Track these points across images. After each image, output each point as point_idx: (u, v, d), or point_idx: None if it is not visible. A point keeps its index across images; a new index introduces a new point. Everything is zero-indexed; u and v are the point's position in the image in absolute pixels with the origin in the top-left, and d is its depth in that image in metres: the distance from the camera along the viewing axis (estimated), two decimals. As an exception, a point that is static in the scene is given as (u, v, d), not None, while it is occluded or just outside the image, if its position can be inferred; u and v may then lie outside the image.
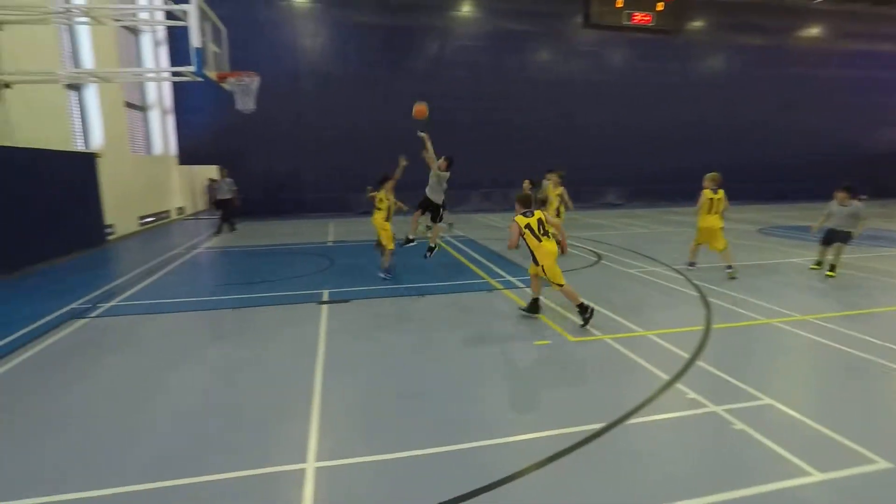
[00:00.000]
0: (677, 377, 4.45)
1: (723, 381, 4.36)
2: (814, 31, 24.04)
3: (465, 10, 20.21)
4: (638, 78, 22.01)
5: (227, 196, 14.53)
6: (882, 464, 3.17)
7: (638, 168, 22.40)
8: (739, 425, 3.63)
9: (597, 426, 3.67)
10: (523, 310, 6.40)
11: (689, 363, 4.75)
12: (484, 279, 8.37)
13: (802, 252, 10.48)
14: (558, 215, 10.30)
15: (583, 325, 5.84)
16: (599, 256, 10.23)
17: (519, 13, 20.46)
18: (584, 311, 5.85)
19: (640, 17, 21.02)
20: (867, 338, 5.37)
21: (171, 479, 3.12)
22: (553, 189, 10.52)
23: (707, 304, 6.73)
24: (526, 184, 11.08)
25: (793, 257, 10.02)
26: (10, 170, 8.96)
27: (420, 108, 7.83)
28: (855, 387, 4.36)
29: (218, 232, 14.38)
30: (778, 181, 24.13)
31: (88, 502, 2.94)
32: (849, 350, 5.08)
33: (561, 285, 5.96)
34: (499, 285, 7.91)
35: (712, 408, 3.90)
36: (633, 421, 3.76)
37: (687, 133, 22.54)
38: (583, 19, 21.15)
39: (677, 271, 8.73)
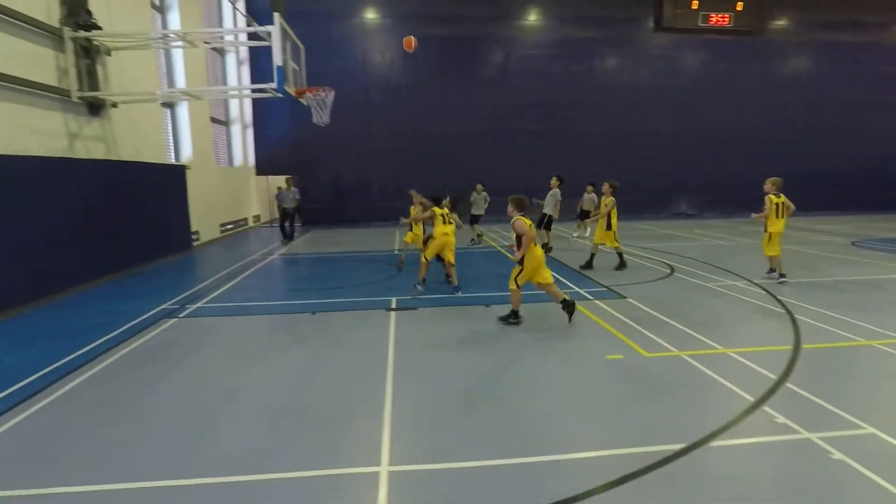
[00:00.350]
0: (764, 399, 4.17)
1: (817, 406, 4.04)
2: (917, 24, 21.96)
3: (532, 18, 20.17)
4: (713, 81, 21.01)
5: (292, 205, 15.18)
6: None
7: (712, 176, 21.33)
8: (838, 455, 3.35)
9: (675, 447, 3.50)
10: (503, 318, 6.51)
11: (778, 385, 4.44)
12: (550, 290, 8.24)
13: (905, 267, 9.55)
14: (609, 227, 9.83)
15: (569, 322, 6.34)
16: (672, 269, 9.81)
17: (587, 19, 20.16)
18: (567, 306, 6.35)
19: (717, 18, 20.08)
20: None
21: (249, 474, 3.29)
22: (604, 198, 10.16)
23: (794, 322, 6.28)
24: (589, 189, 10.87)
25: (892, 273, 9.14)
26: (117, 181, 9.89)
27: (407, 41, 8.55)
28: (976, 419, 3.90)
29: (289, 239, 15.09)
30: (870, 189, 22.14)
31: (178, 490, 3.17)
32: (967, 378, 4.57)
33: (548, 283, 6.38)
34: (565, 296, 7.75)
35: (805, 434, 3.62)
36: (716, 443, 3.56)
37: (767, 138, 21.22)
38: (654, 23, 20.49)
39: (759, 286, 8.20)
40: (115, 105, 10.05)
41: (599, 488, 3.09)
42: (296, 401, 4.41)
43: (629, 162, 20.75)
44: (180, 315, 7.15)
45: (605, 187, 10.16)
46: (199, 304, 7.75)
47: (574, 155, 20.30)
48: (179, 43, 10.57)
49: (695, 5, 19.87)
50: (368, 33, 19.48)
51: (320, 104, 9.45)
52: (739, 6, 20.04)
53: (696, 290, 8.17)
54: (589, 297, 7.69)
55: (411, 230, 10.25)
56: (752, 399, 4.19)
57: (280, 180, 23.27)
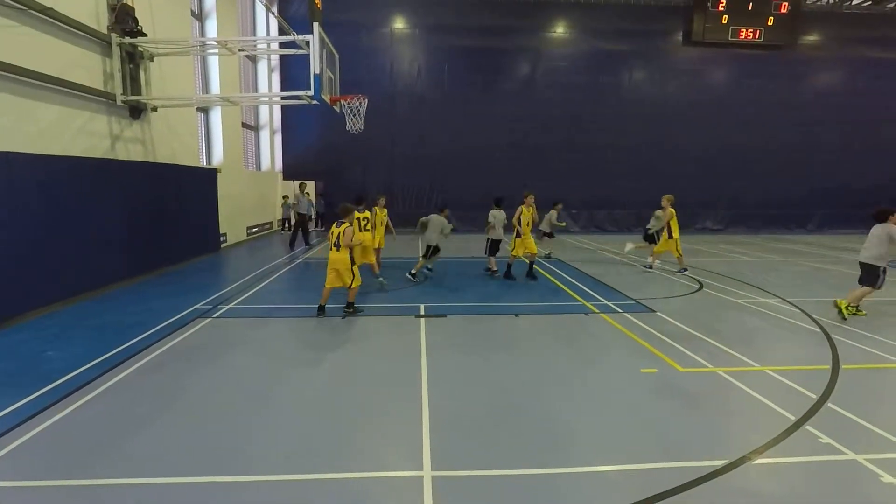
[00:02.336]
0: (806, 418, 4.11)
1: (862, 428, 3.97)
2: (955, 42, 21.45)
3: (559, 30, 20.22)
4: (742, 97, 20.76)
5: (303, 211, 15.25)
6: None
7: (739, 192, 21.04)
8: (888, 478, 3.29)
9: (716, 463, 3.47)
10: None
11: (819, 404, 4.37)
12: (579, 301, 8.22)
13: (945, 290, 9.28)
14: (671, 237, 10.66)
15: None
16: (701, 284, 9.70)
17: (614, 32, 20.13)
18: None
19: (747, 33, 19.89)
20: None
21: (294, 474, 3.36)
22: (667, 210, 10.72)
23: (831, 341, 6.16)
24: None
25: (933, 295, 8.91)
26: (153, 182, 10.16)
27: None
28: None
29: (307, 244, 15.34)
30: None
31: (209, 487, 3.24)
32: None
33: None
34: (595, 309, 7.73)
35: (852, 455, 3.56)
36: (758, 461, 3.52)
37: (796, 155, 20.87)
38: (683, 37, 20.39)
39: (792, 304, 8.06)
40: (154, 109, 10.35)
41: (640, 502, 3.07)
42: (334, 403, 4.48)
43: (656, 176, 20.55)
44: (214, 315, 7.30)
45: (664, 201, 10.74)
46: (230, 305, 7.90)
47: (601, 168, 20.25)
48: (216, 50, 10.86)
49: (725, 20, 19.72)
50: (396, 43, 19.74)
51: (354, 111, 9.62)
52: (770, 21, 19.83)
53: (727, 305, 8.06)
54: (618, 309, 7.64)
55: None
56: (793, 417, 4.13)
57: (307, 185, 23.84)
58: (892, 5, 22.29)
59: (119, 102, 9.10)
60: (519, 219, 9.92)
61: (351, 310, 7.35)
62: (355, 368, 5.30)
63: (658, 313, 7.43)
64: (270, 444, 3.75)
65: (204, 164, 13.91)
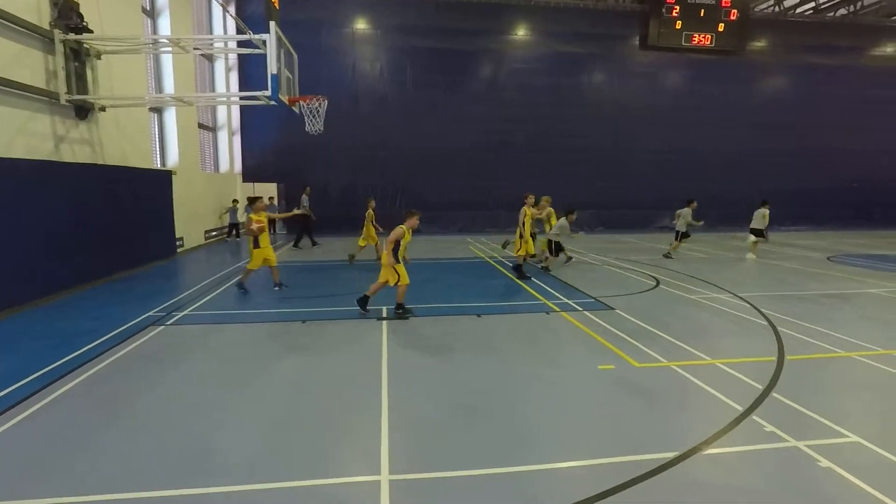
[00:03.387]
0: (752, 408, 4.29)
1: (803, 416, 4.17)
2: (888, 49, 22.85)
3: (521, 33, 20.50)
4: (696, 100, 21.56)
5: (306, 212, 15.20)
6: None
7: (696, 192, 21.64)
8: (825, 463, 3.46)
9: (668, 455, 3.58)
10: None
11: (764, 395, 4.56)
12: (540, 300, 8.34)
13: (878, 282, 9.87)
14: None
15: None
16: (658, 281, 9.99)
17: (574, 36, 20.56)
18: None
19: (699, 38, 20.65)
20: (963, 377, 5.00)
21: (249, 484, 3.27)
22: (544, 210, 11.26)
23: (777, 334, 6.45)
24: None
25: (869, 287, 9.45)
26: (102, 185, 9.74)
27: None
28: (952, 429, 4.06)
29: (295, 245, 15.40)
30: (845, 207, 22.85)
31: (167, 501, 3.12)
32: (942, 389, 4.75)
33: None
34: (555, 307, 7.86)
35: (793, 442, 3.73)
36: (707, 451, 3.65)
37: (748, 156, 21.81)
38: (639, 41, 21.00)
39: (743, 299, 8.40)
40: (103, 109, 9.94)
41: (594, 497, 3.14)
42: (291, 409, 4.39)
43: (616, 176, 21.14)
44: (167, 322, 7.05)
45: (543, 201, 11.59)
46: (186, 312, 7.65)
47: (562, 169, 20.60)
48: (170, 48, 10.52)
49: (678, 25, 20.41)
50: (358, 43, 19.59)
51: (313, 112, 9.48)
52: (721, 27, 20.64)
53: (682, 301, 8.34)
54: (578, 308, 7.79)
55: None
56: (740, 408, 4.30)
57: (268, 187, 23.29)
58: (831, 14, 23.60)
59: (63, 102, 8.70)
60: (523, 221, 10.04)
61: (400, 310, 7.29)
62: (314, 373, 5.21)
63: (616, 310, 7.61)
64: (226, 453, 3.65)
65: (158, 165, 13.44)
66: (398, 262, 7.18)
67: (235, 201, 17.50)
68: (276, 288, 9.00)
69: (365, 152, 19.69)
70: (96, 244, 9.50)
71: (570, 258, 12.43)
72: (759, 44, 21.97)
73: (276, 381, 5.01)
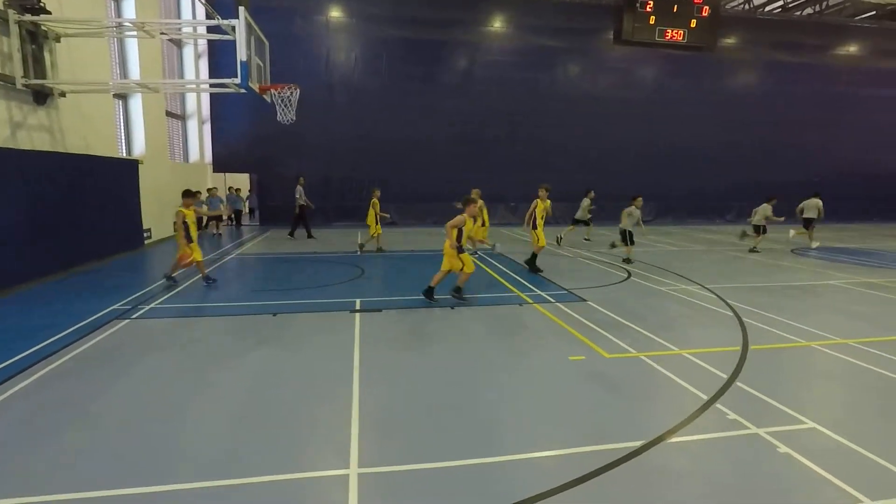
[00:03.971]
0: (717, 397, 4.40)
1: (764, 403, 4.29)
2: (851, 48, 23.56)
3: (497, 25, 20.44)
4: (669, 95, 21.87)
5: (303, 203, 15.29)
6: (936, 494, 3.09)
7: (667, 185, 22.18)
8: (784, 448, 3.57)
9: (635, 444, 3.65)
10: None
11: (729, 383, 4.69)
12: (514, 293, 8.39)
13: (838, 274, 10.23)
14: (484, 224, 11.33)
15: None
16: (629, 273, 10.15)
17: (549, 29, 20.60)
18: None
19: (672, 34, 20.92)
20: (914, 364, 5.22)
21: (217, 480, 3.20)
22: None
23: (742, 325, 6.63)
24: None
25: (829, 279, 9.78)
26: (62, 174, 9.37)
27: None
28: (903, 414, 4.24)
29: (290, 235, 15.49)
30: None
31: (132, 499, 3.04)
32: (892, 375, 4.95)
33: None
34: (529, 299, 7.91)
35: (754, 430, 3.84)
36: (672, 440, 3.73)
37: (718, 151, 22.26)
38: (614, 36, 21.16)
39: (710, 290, 8.60)
40: (63, 94, 9.55)
41: (563, 486, 3.17)
42: (260, 404, 4.32)
43: (590, 169, 21.31)
44: (132, 316, 6.86)
45: (474, 194, 11.08)
46: (152, 305, 7.45)
47: (539, 162, 20.69)
48: (135, 32, 10.13)
49: (652, 20, 20.63)
50: (333, 32, 19.24)
51: (285, 101, 9.28)
52: (693, 23, 20.95)
53: (652, 293, 8.49)
54: (551, 300, 7.86)
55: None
56: (705, 397, 4.40)
57: (243, 179, 22.83)
58: (799, 13, 24.20)
59: (19, 86, 8.31)
60: (534, 212, 10.00)
61: (458, 294, 7.63)
62: (284, 367, 5.14)
63: (588, 302, 7.71)
64: (191, 450, 3.57)
65: (123, 154, 13.01)
66: (462, 250, 7.49)
67: (212, 190, 17.03)
68: (205, 283, 8.77)
69: (340, 143, 19.43)
70: (56, 235, 9.15)
71: (613, 245, 12.89)
72: (730, 40, 22.39)
73: (244, 376, 4.92)
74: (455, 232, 7.40)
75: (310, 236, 15.51)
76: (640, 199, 11.66)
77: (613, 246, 12.60)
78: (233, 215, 18.28)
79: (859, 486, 3.15)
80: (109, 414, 4.11)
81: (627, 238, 11.34)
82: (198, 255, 8.58)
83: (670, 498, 3.12)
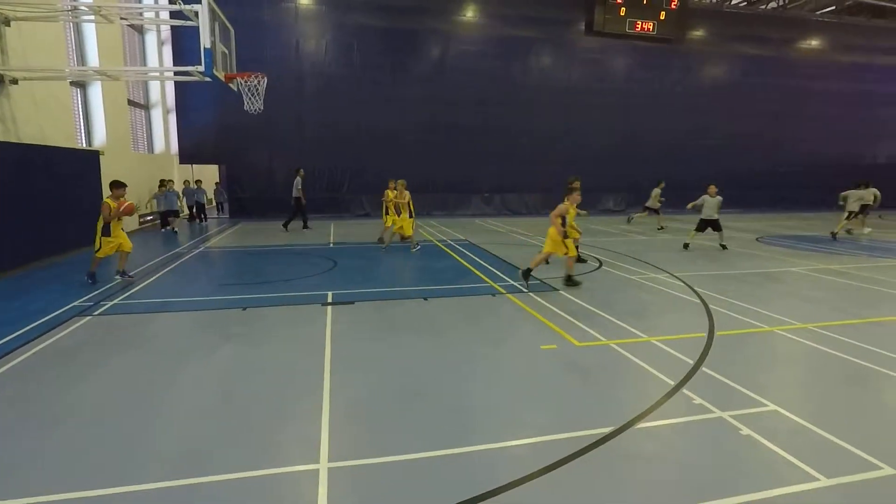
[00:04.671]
0: (683, 383, 4.50)
1: (728, 388, 4.41)
2: (813, 42, 24.29)
3: (470, 15, 20.33)
4: (639, 86, 22.19)
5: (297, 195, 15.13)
6: (887, 470, 3.22)
7: (637, 175, 22.54)
8: (746, 431, 3.68)
9: (605, 430, 3.70)
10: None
11: (695, 369, 4.80)
12: (487, 283, 8.41)
13: (799, 261, 10.58)
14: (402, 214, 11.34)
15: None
16: (601, 262, 10.30)
17: (523, 19, 20.60)
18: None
19: (642, 26, 21.18)
20: (866, 346, 5.44)
21: (182, 479, 3.13)
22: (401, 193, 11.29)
23: (709, 311, 6.80)
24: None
25: (791, 266, 10.11)
26: (15, 166, 8.96)
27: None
28: (857, 394, 4.42)
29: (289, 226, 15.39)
30: (775, 190, 24.30)
31: (96, 501, 2.94)
32: (849, 358, 5.15)
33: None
34: (502, 289, 7.95)
35: (718, 413, 3.95)
36: (640, 425, 3.80)
37: (687, 141, 22.73)
38: (585, 26, 21.30)
39: (678, 278, 8.79)
40: (14, 81, 9.09)
41: (535, 473, 3.20)
42: (229, 400, 4.23)
43: (561, 159, 21.51)
44: (95, 313, 6.63)
45: (399, 186, 11.67)
46: (116, 301, 7.22)
47: (512, 152, 20.79)
48: (92, 17, 9.71)
49: (622, 12, 20.85)
50: (303, 19, 18.83)
51: (252, 90, 9.04)
52: (662, 15, 21.25)
53: (623, 282, 8.63)
54: (523, 289, 7.91)
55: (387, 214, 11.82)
56: (672, 383, 4.50)
57: (212, 170, 22.23)
58: (764, 7, 24.78)
59: (-34, 72, 7.89)
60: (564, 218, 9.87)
61: (570, 281, 7.97)
62: (254, 362, 5.04)
63: (560, 292, 7.79)
64: (156, 448, 3.47)
65: (83, 145, 12.52)
66: (566, 235, 7.76)
67: (164, 183, 16.42)
68: (118, 276, 8.43)
69: (310, 133, 19.11)
70: (11, 230, 8.76)
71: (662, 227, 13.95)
72: (698, 33, 22.80)
73: (211, 372, 4.81)
74: (559, 220, 7.76)
75: (305, 227, 15.56)
76: (714, 186, 12.10)
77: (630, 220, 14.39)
78: (195, 209, 17.64)
79: (817, 464, 3.27)
80: (69, 413, 3.96)
81: (709, 226, 11.90)
82: (121, 248, 8.26)
83: (638, 481, 3.18)
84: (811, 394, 4.57)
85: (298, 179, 15.04)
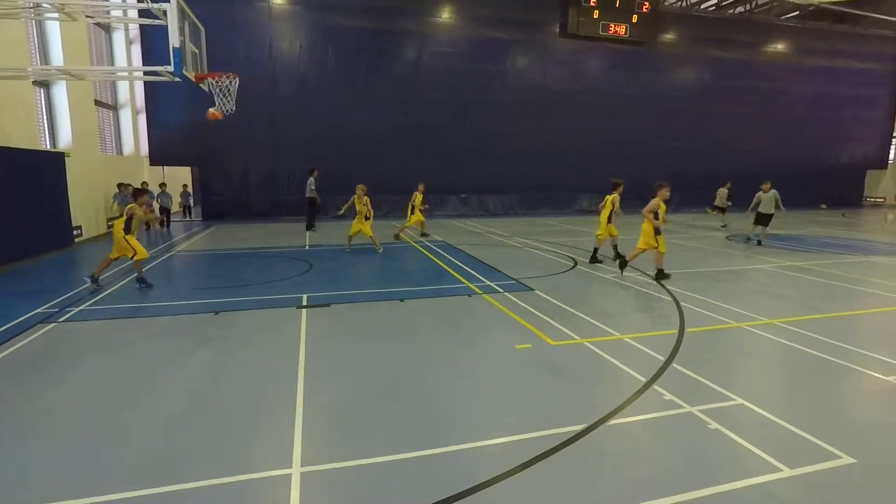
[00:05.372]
0: (654, 379, 4.59)
1: (697, 383, 4.52)
2: (779, 46, 25.02)
3: (445, 16, 20.35)
4: (613, 87, 22.51)
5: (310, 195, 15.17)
6: (846, 459, 3.35)
7: (611, 175, 22.86)
8: (714, 425, 3.77)
9: (577, 428, 3.75)
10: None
11: (665, 366, 4.90)
12: (463, 283, 8.44)
13: (768, 258, 10.89)
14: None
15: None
16: (575, 262, 10.42)
17: (498, 21, 20.72)
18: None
19: (615, 28, 21.51)
20: (829, 340, 5.64)
21: (153, 487, 3.06)
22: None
23: (680, 309, 6.94)
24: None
25: (760, 263, 10.40)
26: (-26, 168, 8.64)
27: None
28: (819, 387, 4.57)
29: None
30: (743, 191, 24.90)
31: (67, 510, 2.86)
32: (812, 352, 5.33)
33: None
34: (478, 290, 7.98)
35: (688, 408, 4.04)
36: (612, 422, 3.86)
37: (660, 142, 23.14)
38: (560, 29, 21.54)
39: (651, 277, 8.95)
40: (-27, 81, 8.77)
41: (509, 472, 3.23)
42: (200, 406, 4.15)
43: (537, 161, 21.73)
44: (59, 319, 6.43)
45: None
46: (82, 307, 7.01)
47: (488, 153, 20.87)
48: (56, 14, 9.41)
49: (596, 14, 21.14)
50: (276, 19, 18.60)
51: (224, 91, 8.89)
52: (634, 18, 21.62)
53: (597, 281, 8.76)
54: (500, 289, 7.96)
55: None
56: (644, 379, 4.58)
57: (183, 172, 21.68)
58: (732, 11, 25.42)
59: (-80, 71, 7.57)
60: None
61: (660, 276, 8.58)
62: (226, 368, 4.96)
63: (536, 291, 7.86)
64: (124, 458, 3.39)
65: (47, 146, 12.13)
66: (658, 232, 8.40)
67: (123, 187, 15.84)
68: (87, 279, 8.11)
69: (285, 134, 18.87)
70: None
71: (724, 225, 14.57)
72: (669, 36, 23.27)
73: (182, 378, 4.71)
74: (652, 215, 8.40)
75: (310, 227, 15.56)
76: (769, 182, 12.92)
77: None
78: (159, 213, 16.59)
79: (781, 456, 3.37)
80: (32, 424, 3.84)
81: (763, 220, 12.74)
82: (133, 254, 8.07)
83: (609, 477, 3.23)
84: (776, 387, 4.72)
85: (312, 180, 15.21)
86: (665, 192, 8.49)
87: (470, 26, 20.55)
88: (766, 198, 12.75)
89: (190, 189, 19.95)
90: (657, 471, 3.28)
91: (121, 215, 8.02)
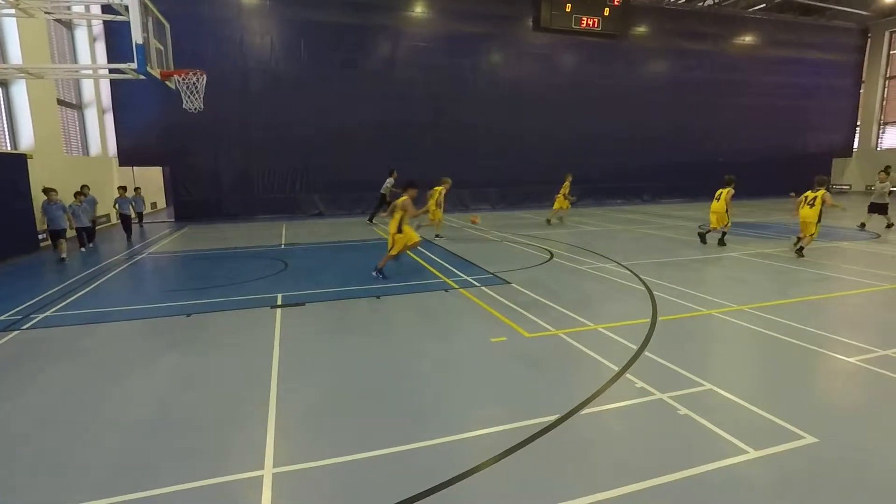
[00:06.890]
0: (626, 367, 4.66)
1: (668, 370, 4.60)
2: (746, 38, 25.52)
3: (418, 10, 20.24)
4: (586, 80, 22.70)
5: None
6: (808, 439, 3.45)
7: (587, 168, 23.09)
8: (684, 410, 3.85)
9: (551, 418, 3.79)
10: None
11: (637, 354, 4.98)
12: (440, 279, 8.44)
13: (737, 247, 11.13)
14: None
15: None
16: (552, 254, 10.51)
17: (472, 14, 20.69)
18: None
19: (587, 21, 21.67)
20: (795, 324, 5.80)
21: (122, 494, 2.99)
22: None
23: (652, 297, 7.06)
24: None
25: (729, 252, 10.63)
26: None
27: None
28: (785, 370, 4.70)
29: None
30: (714, 180, 25.42)
31: (30, 522, 2.78)
32: (779, 336, 5.47)
33: None
34: (455, 285, 7.99)
35: (659, 395, 4.11)
36: (586, 411, 3.91)
37: (633, 134, 23.44)
38: (533, 22, 21.61)
39: (625, 267, 9.08)
40: (-76, 81, 8.41)
41: (485, 463, 3.25)
42: (171, 410, 4.07)
43: (512, 154, 21.82)
44: (22, 327, 6.24)
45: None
46: (47, 313, 6.81)
47: (465, 148, 20.85)
48: (12, 11, 9.07)
49: (568, 8, 21.27)
50: (245, 15, 18.25)
51: (191, 88, 8.70)
52: (606, 11, 21.81)
53: (573, 272, 8.85)
54: (476, 283, 7.99)
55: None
56: (616, 368, 4.65)
57: (155, 172, 21.16)
58: (701, 3, 25.82)
59: None
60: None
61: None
62: (198, 370, 4.88)
63: (512, 284, 7.90)
64: (93, 464, 3.31)
65: (8, 148, 11.72)
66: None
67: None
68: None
69: (258, 132, 18.58)
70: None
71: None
72: (640, 29, 23.54)
73: (154, 382, 4.61)
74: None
75: (371, 221, 16.42)
76: (883, 173, 13.54)
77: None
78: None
79: (746, 438, 3.46)
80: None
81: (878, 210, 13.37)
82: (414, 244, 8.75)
83: (583, 465, 3.27)
84: (744, 372, 4.83)
85: (391, 180, 15.60)
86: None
87: (443, 21, 20.48)
88: (881, 187, 13.45)
89: (142, 193, 17.37)
90: (629, 457, 3.33)
91: (391, 212, 8.44)
